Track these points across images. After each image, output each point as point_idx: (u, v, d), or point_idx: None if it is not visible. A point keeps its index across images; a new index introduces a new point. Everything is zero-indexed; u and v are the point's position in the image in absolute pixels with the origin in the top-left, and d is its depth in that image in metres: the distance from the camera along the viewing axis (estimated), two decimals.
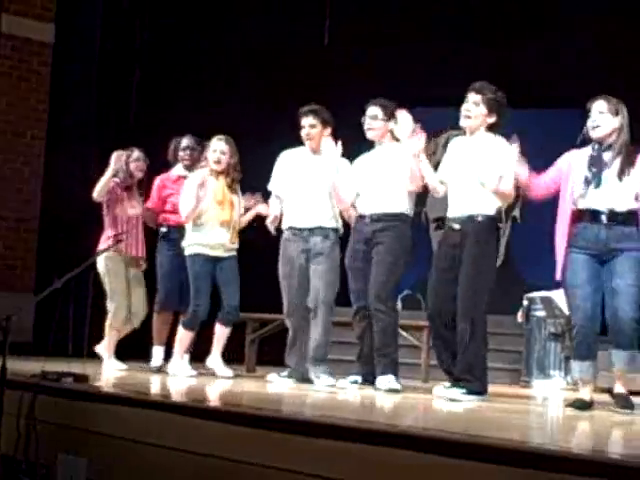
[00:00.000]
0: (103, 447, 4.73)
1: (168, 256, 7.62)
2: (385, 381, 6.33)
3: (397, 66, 9.98)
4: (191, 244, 7.27)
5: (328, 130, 6.93)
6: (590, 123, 5.61)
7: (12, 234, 9.93)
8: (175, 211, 7.58)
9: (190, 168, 7.66)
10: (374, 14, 10.24)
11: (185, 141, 7.75)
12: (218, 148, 7.27)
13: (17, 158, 9.98)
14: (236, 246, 7.36)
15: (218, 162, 7.26)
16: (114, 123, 10.26)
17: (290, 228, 6.96)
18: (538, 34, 9.77)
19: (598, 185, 5.53)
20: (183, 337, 7.29)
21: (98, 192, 7.56)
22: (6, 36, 9.90)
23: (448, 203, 6.09)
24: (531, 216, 10.13)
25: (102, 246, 7.49)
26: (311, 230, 6.89)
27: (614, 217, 5.54)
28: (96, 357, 7.65)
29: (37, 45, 10.08)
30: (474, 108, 5.93)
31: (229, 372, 7.27)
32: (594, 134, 5.61)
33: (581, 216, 5.58)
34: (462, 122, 6.02)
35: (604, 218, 5.54)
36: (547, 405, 6.59)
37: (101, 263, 7.59)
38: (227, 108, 9.75)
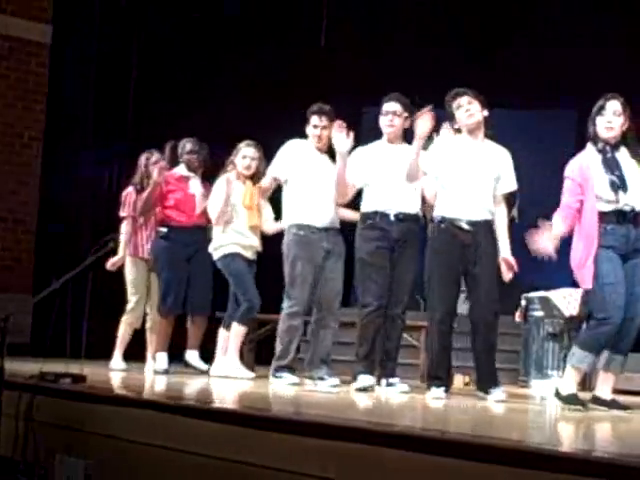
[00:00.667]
0: (101, 448, 4.72)
1: (170, 258, 7.60)
2: (399, 383, 6.48)
3: (394, 67, 9.97)
4: (226, 244, 7.32)
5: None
6: (604, 123, 5.54)
7: (10, 235, 9.92)
8: (176, 207, 7.67)
9: (196, 171, 7.75)
10: (371, 15, 10.24)
11: (190, 145, 7.80)
12: (249, 154, 7.38)
13: (15, 159, 9.97)
14: (260, 249, 7.46)
15: (249, 168, 7.38)
16: (111, 124, 10.26)
17: (307, 227, 6.79)
18: (538, 35, 9.78)
19: (625, 188, 5.48)
20: (239, 333, 7.32)
21: (141, 208, 7.66)
22: (3, 37, 9.89)
23: (452, 202, 6.14)
24: (529, 216, 10.13)
25: (134, 250, 7.73)
26: (330, 230, 6.84)
27: (637, 216, 5.53)
28: (94, 358, 7.63)
29: (34, 46, 10.06)
30: (472, 107, 6.15)
31: (251, 374, 7.31)
32: (607, 134, 5.54)
33: (608, 218, 5.49)
34: (466, 120, 6.17)
35: (630, 218, 5.51)
36: (545, 405, 6.58)
37: (128, 267, 7.77)
38: (225, 109, 9.75)
